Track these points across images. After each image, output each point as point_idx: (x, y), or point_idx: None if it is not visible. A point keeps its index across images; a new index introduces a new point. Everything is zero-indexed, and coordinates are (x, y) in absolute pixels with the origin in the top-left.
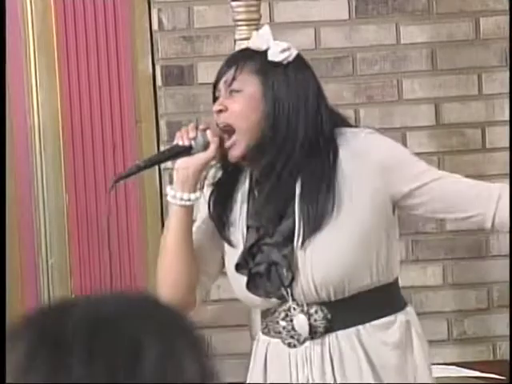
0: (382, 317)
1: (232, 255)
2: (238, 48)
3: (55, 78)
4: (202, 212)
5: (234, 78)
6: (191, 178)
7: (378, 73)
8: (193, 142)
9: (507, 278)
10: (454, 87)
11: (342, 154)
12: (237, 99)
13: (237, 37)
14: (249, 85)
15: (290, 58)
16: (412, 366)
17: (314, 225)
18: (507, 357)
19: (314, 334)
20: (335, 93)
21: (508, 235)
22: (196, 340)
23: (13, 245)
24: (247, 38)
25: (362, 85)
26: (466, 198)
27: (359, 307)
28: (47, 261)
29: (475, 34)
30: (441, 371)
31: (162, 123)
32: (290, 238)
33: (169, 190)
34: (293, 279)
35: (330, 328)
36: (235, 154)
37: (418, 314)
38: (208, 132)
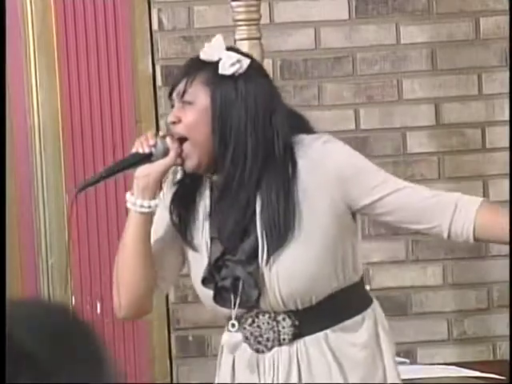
0: (349, 318)
1: (196, 262)
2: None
3: (55, 78)
4: (159, 217)
5: (185, 90)
6: (152, 185)
7: (378, 73)
8: (153, 149)
9: (507, 278)
10: (454, 87)
11: (301, 163)
12: (189, 111)
13: (237, 37)
14: (200, 97)
15: (241, 70)
16: (381, 366)
17: (278, 242)
18: (507, 357)
19: (281, 340)
20: (335, 93)
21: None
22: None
23: (13, 245)
24: (247, 38)
25: (362, 85)
26: (425, 209)
27: (327, 311)
28: (47, 261)
29: (475, 34)
30: (441, 371)
31: (162, 123)
32: (253, 256)
33: (128, 197)
34: (259, 295)
35: (298, 334)
36: (189, 165)
37: (418, 314)
38: (168, 139)
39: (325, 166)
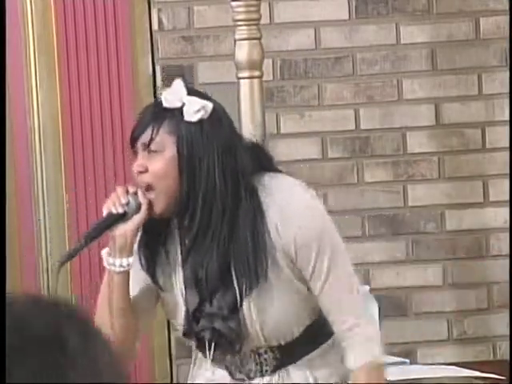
0: (324, 342)
1: (172, 306)
2: (237, 48)
3: (55, 78)
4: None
5: (151, 140)
6: (129, 243)
7: (378, 73)
8: (126, 208)
9: (507, 278)
10: (454, 87)
11: (266, 203)
12: (156, 159)
13: (237, 37)
14: (167, 145)
15: (206, 116)
16: None
17: (251, 286)
18: (507, 357)
19: (264, 371)
20: (335, 93)
21: (508, 235)
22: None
23: (13, 245)
24: (247, 38)
25: (362, 85)
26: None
27: (305, 341)
28: (47, 261)
29: (475, 34)
30: (441, 371)
31: None
32: (233, 310)
33: (106, 257)
34: (241, 345)
35: (281, 365)
36: (156, 211)
37: (418, 314)
38: (139, 193)
39: (289, 221)
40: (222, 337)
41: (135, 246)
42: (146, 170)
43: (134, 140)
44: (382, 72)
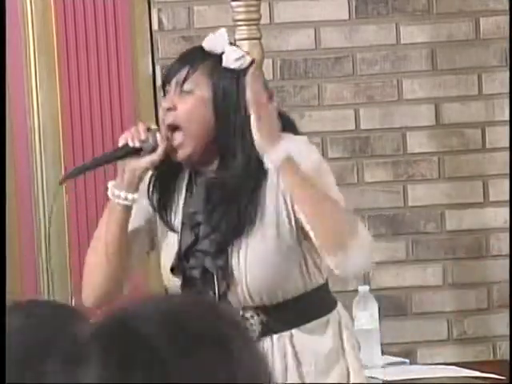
0: (315, 318)
1: (167, 249)
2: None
3: (55, 78)
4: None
5: (185, 79)
6: (137, 179)
7: (378, 73)
8: (143, 144)
9: (507, 278)
10: (454, 87)
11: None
12: (187, 100)
13: (237, 37)
14: (200, 87)
15: (244, 66)
16: (344, 367)
17: (238, 234)
18: (507, 357)
19: None
20: (335, 93)
21: (508, 235)
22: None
23: (13, 245)
24: (247, 38)
25: (362, 85)
26: None
27: (293, 311)
28: (47, 261)
29: (475, 34)
30: (441, 371)
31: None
32: (222, 249)
33: (112, 188)
34: (228, 287)
35: (266, 331)
36: (182, 155)
37: (418, 314)
38: (158, 135)
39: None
40: (209, 275)
41: (142, 185)
42: (175, 108)
43: (167, 78)
44: (381, 72)
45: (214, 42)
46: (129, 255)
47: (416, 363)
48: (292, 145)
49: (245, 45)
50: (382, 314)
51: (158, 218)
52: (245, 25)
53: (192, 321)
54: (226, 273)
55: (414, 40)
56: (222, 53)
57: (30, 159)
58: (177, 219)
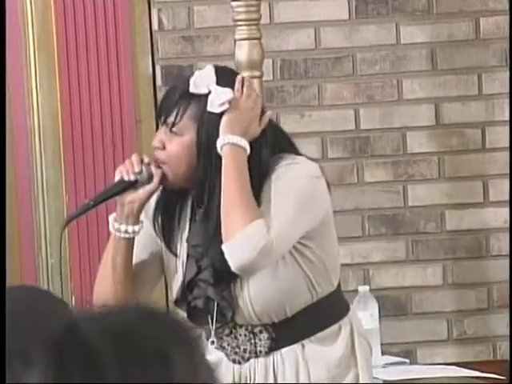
0: (325, 328)
1: (173, 279)
2: (237, 48)
3: (55, 78)
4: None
5: (174, 124)
6: (136, 211)
7: (378, 73)
8: (138, 177)
9: (507, 278)
10: (454, 87)
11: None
12: (175, 141)
13: (237, 37)
14: (187, 131)
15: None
16: (354, 372)
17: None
18: (507, 357)
19: (258, 352)
20: (335, 93)
21: (508, 235)
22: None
23: (13, 245)
24: (247, 38)
25: (362, 85)
26: None
27: (303, 323)
28: (47, 261)
29: (475, 34)
30: (441, 371)
31: None
32: (223, 279)
33: (112, 222)
34: (233, 314)
35: (275, 346)
36: (166, 181)
37: (418, 314)
38: (152, 165)
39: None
40: (212, 304)
41: (143, 215)
42: (164, 148)
43: (160, 116)
44: (381, 72)
45: (200, 82)
46: (141, 284)
47: (416, 363)
48: (287, 162)
49: (245, 45)
50: (382, 314)
51: (163, 245)
52: (245, 25)
53: (138, 334)
54: (231, 302)
55: (414, 40)
56: (209, 93)
57: (30, 159)
58: (182, 248)
